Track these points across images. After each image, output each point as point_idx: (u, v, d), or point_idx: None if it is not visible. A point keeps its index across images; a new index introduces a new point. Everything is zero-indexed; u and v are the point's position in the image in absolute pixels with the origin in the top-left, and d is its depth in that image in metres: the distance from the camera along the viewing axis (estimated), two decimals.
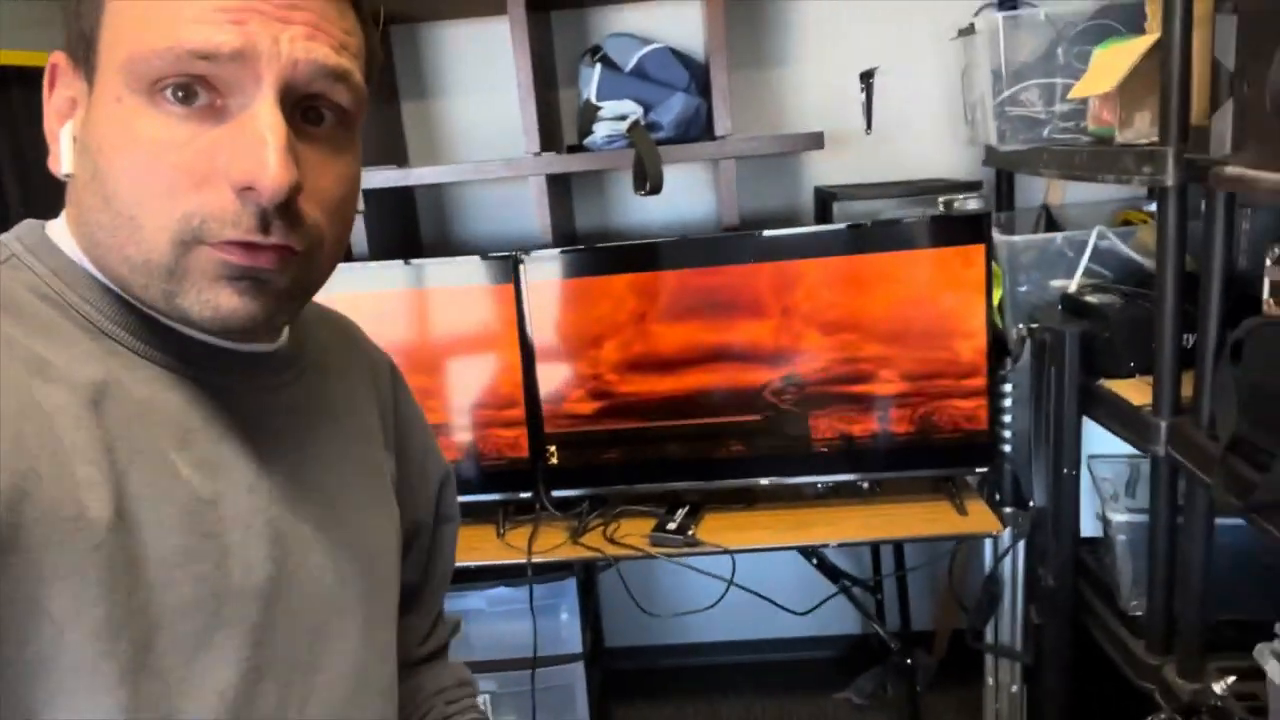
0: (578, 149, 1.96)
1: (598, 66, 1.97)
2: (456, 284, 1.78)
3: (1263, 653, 1.22)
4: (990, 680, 1.87)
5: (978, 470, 1.76)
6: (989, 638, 1.85)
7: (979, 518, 1.72)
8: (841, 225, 1.71)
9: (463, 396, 1.80)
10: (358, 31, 0.54)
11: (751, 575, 2.03)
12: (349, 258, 2.00)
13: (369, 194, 1.92)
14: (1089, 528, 1.76)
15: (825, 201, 2.04)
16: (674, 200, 2.19)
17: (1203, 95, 1.29)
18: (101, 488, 0.47)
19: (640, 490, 1.84)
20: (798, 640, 2.45)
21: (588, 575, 2.17)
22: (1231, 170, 1.05)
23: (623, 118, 1.92)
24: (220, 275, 0.49)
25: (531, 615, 1.81)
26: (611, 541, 1.74)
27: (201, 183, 0.48)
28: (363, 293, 1.78)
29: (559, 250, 1.77)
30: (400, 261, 1.79)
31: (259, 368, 0.59)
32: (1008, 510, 1.76)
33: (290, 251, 0.51)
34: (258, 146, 0.47)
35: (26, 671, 0.44)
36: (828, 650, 2.45)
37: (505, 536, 1.80)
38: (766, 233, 1.72)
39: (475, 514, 1.87)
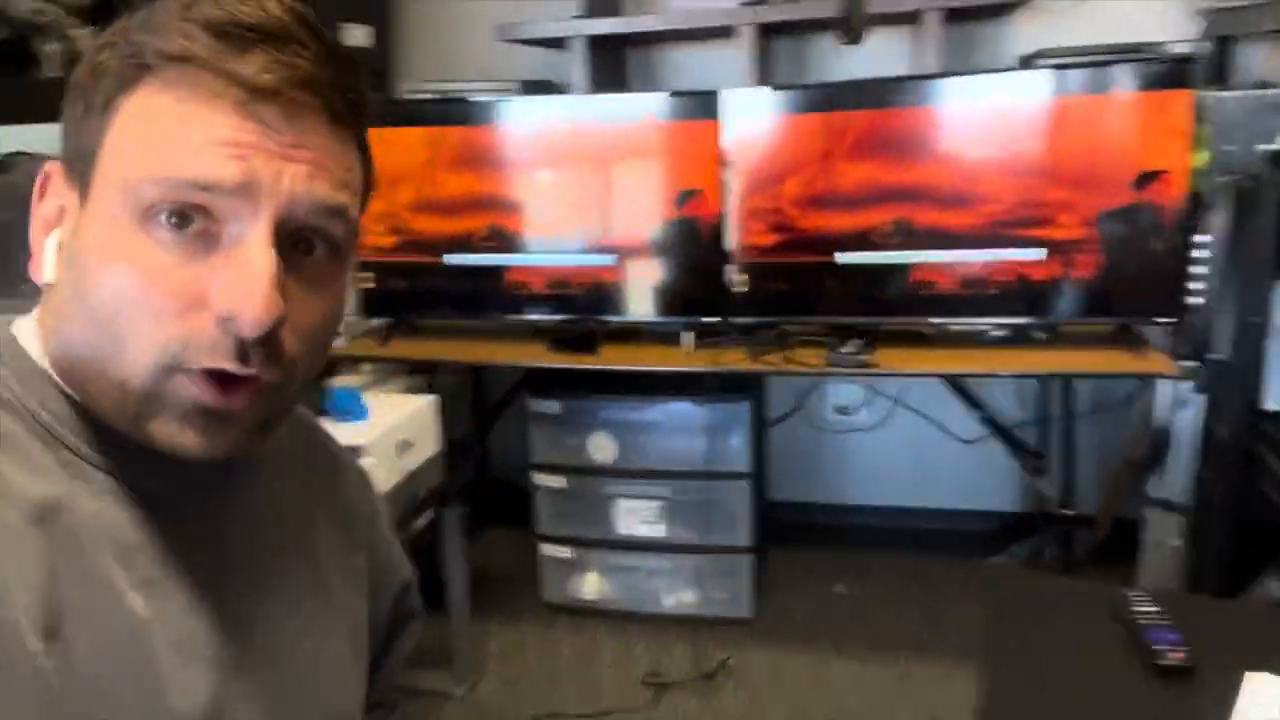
0: None
1: None
2: (662, 119, 1.95)
3: None
4: (1150, 536, 1.90)
5: (1162, 321, 1.78)
6: (1152, 493, 1.88)
7: (1157, 364, 1.75)
8: (1046, 65, 1.75)
9: (659, 224, 1.98)
10: (358, 165, 0.55)
11: (927, 431, 2.12)
12: (556, 90, 2.20)
13: (590, 40, 2.11)
14: (1273, 400, 1.75)
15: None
16: (873, 67, 2.26)
17: None
18: (36, 609, 0.46)
19: (818, 322, 1.97)
20: (954, 513, 2.52)
21: (758, 417, 2.32)
22: None
23: None
24: (190, 411, 0.50)
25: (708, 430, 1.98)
26: (789, 362, 1.89)
27: (187, 309, 0.49)
28: (576, 122, 1.98)
29: (759, 89, 1.91)
30: (610, 96, 1.97)
31: (214, 478, 0.58)
32: (1189, 364, 1.77)
33: (262, 385, 0.51)
34: (247, 278, 0.48)
35: None
36: (984, 524, 2.51)
37: (691, 353, 1.98)
38: (968, 74, 1.78)
39: (663, 337, 2.06)
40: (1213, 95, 1.80)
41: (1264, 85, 2.02)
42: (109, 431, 0.52)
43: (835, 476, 2.59)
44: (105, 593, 0.50)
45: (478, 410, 2.54)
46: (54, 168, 0.54)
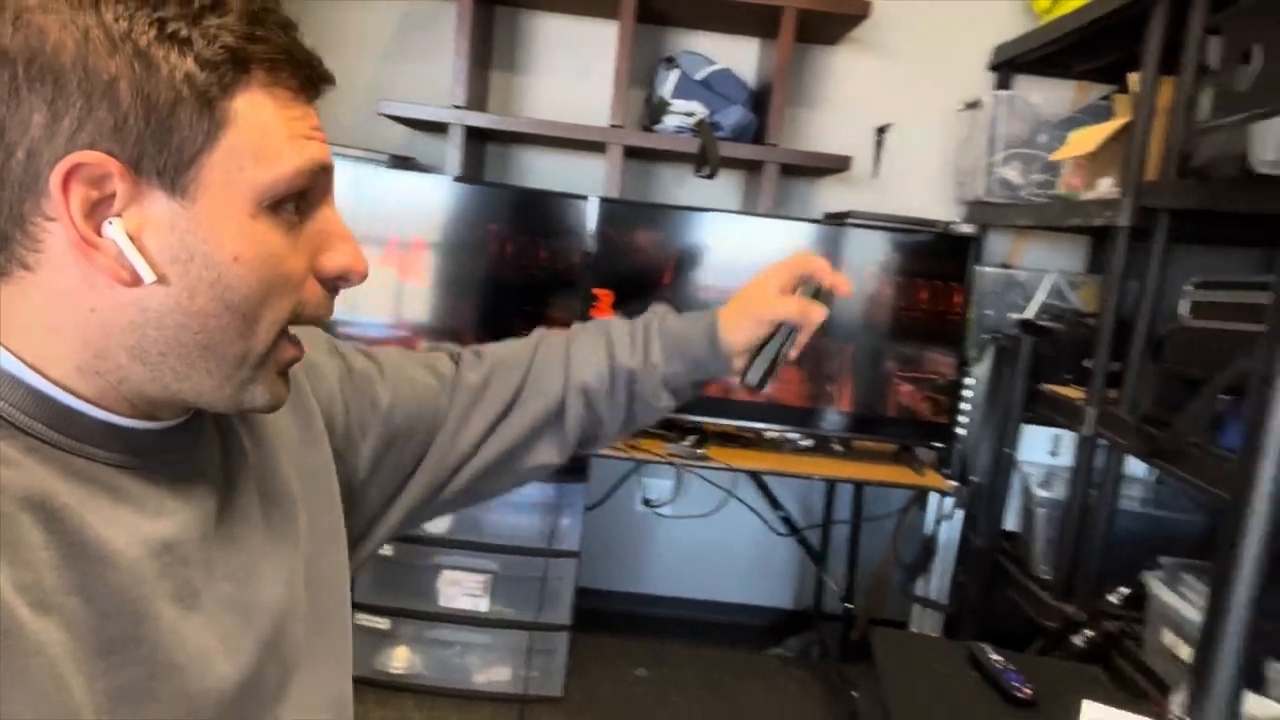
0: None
1: (675, 71, 2.37)
2: (531, 217, 2.10)
3: (1146, 577, 1.63)
4: (915, 629, 2.23)
5: (935, 445, 2.15)
6: (919, 591, 2.22)
7: (933, 480, 2.11)
8: (857, 222, 2.12)
9: (505, 307, 2.11)
10: None
11: (721, 531, 2.35)
12: (416, 168, 2.29)
13: (465, 130, 2.24)
14: (1010, 523, 2.17)
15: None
16: (707, 201, 2.57)
17: (1151, 164, 1.75)
18: (32, 588, 0.47)
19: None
20: (736, 606, 2.77)
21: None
22: None
23: (691, 114, 2.31)
24: (285, 365, 0.59)
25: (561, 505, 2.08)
26: (634, 449, 2.05)
27: (302, 280, 0.57)
28: (447, 204, 2.09)
29: (624, 202, 2.12)
30: (489, 186, 2.10)
31: (180, 434, 0.60)
32: (954, 484, 2.15)
33: None
34: (345, 241, 0.58)
35: None
36: (761, 619, 2.77)
37: None
38: (784, 217, 2.11)
39: None
40: (976, 268, 2.27)
41: (1006, 266, 2.56)
42: (67, 412, 0.53)
43: (637, 566, 2.75)
44: (99, 563, 0.50)
45: None
46: (112, 165, 0.49)
